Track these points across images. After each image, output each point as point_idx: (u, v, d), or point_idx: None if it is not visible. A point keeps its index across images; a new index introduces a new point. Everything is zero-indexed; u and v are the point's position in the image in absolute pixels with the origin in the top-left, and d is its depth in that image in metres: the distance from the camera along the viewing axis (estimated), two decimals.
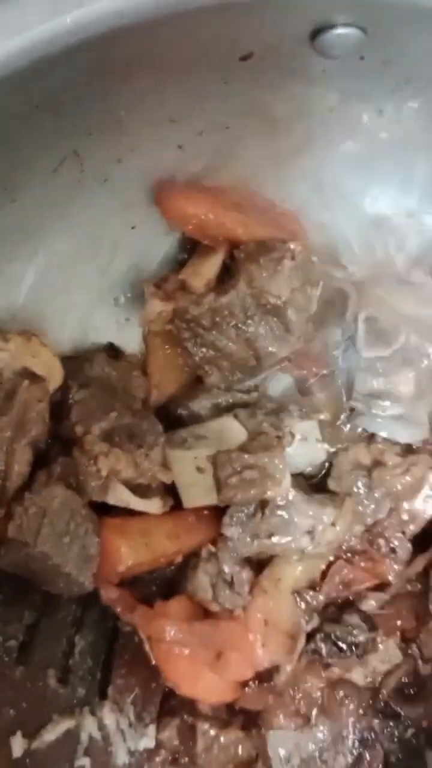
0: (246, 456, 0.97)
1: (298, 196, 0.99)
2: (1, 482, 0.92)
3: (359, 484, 1.04)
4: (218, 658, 0.97)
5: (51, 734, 0.87)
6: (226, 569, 1.00)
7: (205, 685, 0.98)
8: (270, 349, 0.98)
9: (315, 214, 1.00)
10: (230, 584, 1.00)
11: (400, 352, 1.04)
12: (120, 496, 0.95)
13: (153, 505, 0.98)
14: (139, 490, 0.97)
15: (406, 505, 1.05)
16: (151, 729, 0.94)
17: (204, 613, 1.01)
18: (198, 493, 0.99)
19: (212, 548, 1.01)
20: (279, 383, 1.06)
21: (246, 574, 1.01)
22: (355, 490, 1.04)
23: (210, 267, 0.98)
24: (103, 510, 0.96)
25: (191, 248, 1.02)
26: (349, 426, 1.05)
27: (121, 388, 1.02)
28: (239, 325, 0.96)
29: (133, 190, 0.95)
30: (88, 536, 0.93)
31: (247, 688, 1.01)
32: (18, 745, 0.85)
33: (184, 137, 0.90)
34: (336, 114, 0.90)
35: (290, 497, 0.98)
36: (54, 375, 0.98)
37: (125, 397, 1.01)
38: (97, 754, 0.89)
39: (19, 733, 0.85)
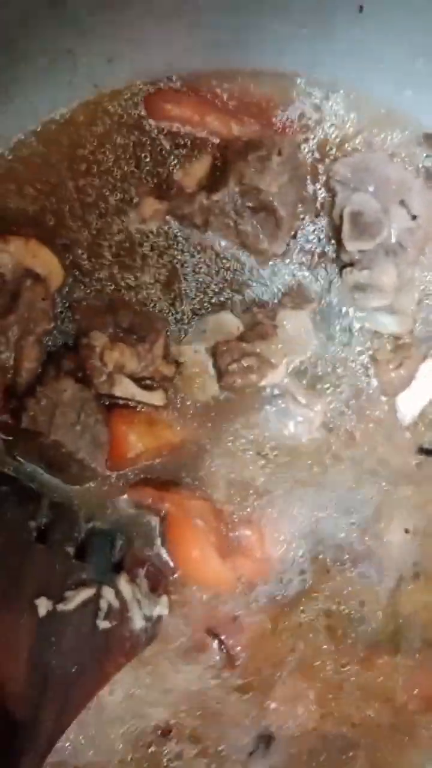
0: (244, 344, 1.03)
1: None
2: (12, 377, 0.97)
3: None
4: (232, 553, 1.05)
5: (72, 602, 0.94)
6: None
7: (208, 571, 1.04)
8: (261, 245, 1.03)
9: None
10: None
11: (382, 245, 1.08)
12: (125, 389, 1.00)
13: (156, 397, 1.03)
14: (143, 383, 1.03)
15: (399, 397, 1.11)
16: (164, 599, 1.01)
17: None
18: (199, 383, 1.05)
19: None
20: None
21: None
22: None
23: (200, 166, 1.02)
24: (110, 407, 1.02)
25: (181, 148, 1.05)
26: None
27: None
28: (230, 223, 1.01)
29: None
30: (98, 425, 0.98)
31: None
32: (43, 606, 0.92)
33: (173, 36, 0.92)
34: None
35: (285, 383, 1.04)
36: (54, 274, 1.03)
37: (121, 297, 1.05)
38: (116, 618, 0.97)
39: (43, 597, 0.92)
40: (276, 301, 1.08)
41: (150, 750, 1.06)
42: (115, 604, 0.96)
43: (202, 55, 0.99)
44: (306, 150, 1.06)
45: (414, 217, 1.09)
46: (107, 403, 1.02)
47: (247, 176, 0.98)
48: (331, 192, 1.08)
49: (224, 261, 1.06)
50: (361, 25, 1.00)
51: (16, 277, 0.98)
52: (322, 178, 1.07)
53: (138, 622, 0.98)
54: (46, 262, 1.02)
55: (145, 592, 0.99)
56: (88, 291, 1.04)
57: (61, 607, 0.92)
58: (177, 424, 1.04)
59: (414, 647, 1.09)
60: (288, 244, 1.06)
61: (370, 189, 1.08)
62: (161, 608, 1.00)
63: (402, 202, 1.09)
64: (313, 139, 1.07)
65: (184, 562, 1.03)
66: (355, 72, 1.05)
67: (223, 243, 1.03)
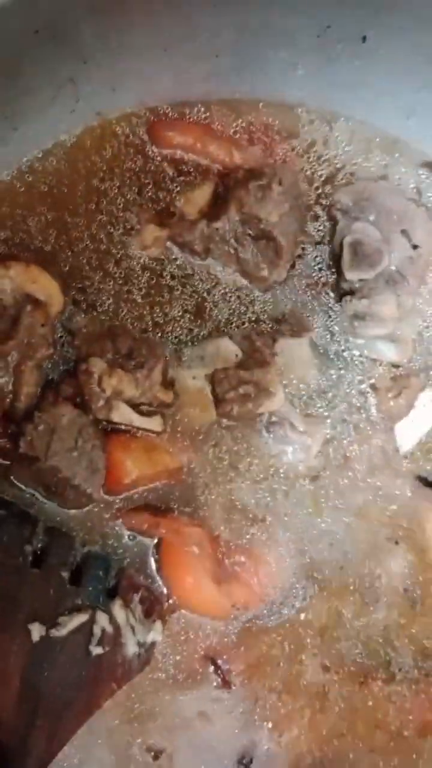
0: (241, 372, 1.03)
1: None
2: (10, 402, 0.98)
3: None
4: (227, 580, 1.04)
5: (65, 628, 0.93)
6: None
7: (202, 598, 1.04)
8: (261, 273, 1.03)
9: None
10: None
11: (382, 274, 1.09)
12: (123, 415, 1.01)
13: (154, 423, 1.04)
14: (141, 409, 1.03)
15: (397, 426, 1.11)
16: (158, 624, 1.01)
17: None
18: (197, 410, 1.05)
19: None
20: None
21: None
22: None
23: (201, 194, 1.03)
24: (108, 432, 1.02)
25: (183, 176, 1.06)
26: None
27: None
28: (231, 250, 1.01)
29: None
30: (95, 451, 0.98)
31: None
32: (36, 631, 0.91)
33: (176, 65, 0.93)
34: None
35: (283, 411, 1.04)
36: (54, 299, 1.04)
37: (126, 319, 1.06)
38: (109, 643, 0.96)
39: (37, 622, 0.92)
40: (275, 328, 1.08)
41: None
42: (109, 629, 0.95)
43: (205, 84, 1.01)
44: (307, 179, 1.07)
45: (415, 247, 1.09)
46: (108, 428, 1.02)
47: (247, 205, 0.99)
48: (332, 220, 1.09)
49: (224, 288, 1.07)
50: (364, 56, 1.01)
51: (16, 302, 1.00)
52: (324, 207, 1.08)
53: (131, 648, 0.97)
54: (46, 287, 1.03)
55: (140, 618, 0.98)
56: (88, 317, 1.05)
57: (54, 632, 0.92)
58: (174, 450, 1.04)
59: (409, 676, 1.09)
60: (288, 272, 1.06)
61: (371, 218, 1.09)
62: (155, 634, 1.00)
63: (403, 232, 1.09)
64: (315, 168, 1.08)
65: (178, 588, 1.03)
66: (358, 102, 1.07)
67: (223, 270, 1.03)
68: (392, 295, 1.09)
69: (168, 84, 0.99)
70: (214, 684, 1.05)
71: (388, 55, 1.01)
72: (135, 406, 1.02)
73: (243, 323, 1.08)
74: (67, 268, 1.05)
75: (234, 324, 1.08)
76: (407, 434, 1.12)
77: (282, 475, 1.07)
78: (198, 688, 1.05)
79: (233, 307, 1.08)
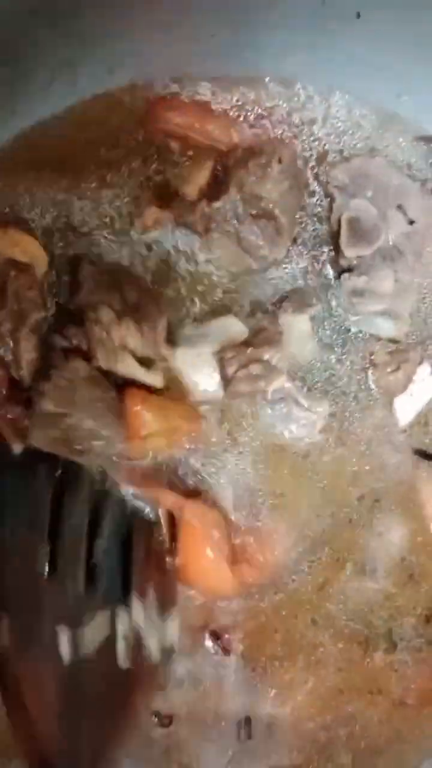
0: (251, 350, 1.04)
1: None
2: (15, 373, 0.97)
3: None
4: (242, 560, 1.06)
5: (91, 638, 0.93)
6: None
7: (218, 580, 1.05)
8: (262, 252, 1.04)
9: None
10: None
11: (380, 250, 1.09)
12: (128, 366, 1.00)
13: (156, 379, 1.02)
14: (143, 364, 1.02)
15: (396, 400, 1.13)
16: (176, 622, 1.02)
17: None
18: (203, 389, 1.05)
19: None
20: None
21: None
22: None
23: (201, 174, 1.03)
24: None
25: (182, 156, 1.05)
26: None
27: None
28: (232, 230, 1.02)
29: None
30: (115, 402, 0.98)
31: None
32: (65, 645, 0.91)
33: (173, 46, 0.93)
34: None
35: (287, 387, 1.05)
36: (38, 260, 1.02)
37: (131, 273, 1.06)
38: (136, 653, 0.97)
39: (63, 625, 0.92)
40: (277, 305, 1.08)
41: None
42: (130, 637, 0.96)
43: (202, 64, 1.01)
44: (304, 157, 1.07)
45: (411, 222, 1.10)
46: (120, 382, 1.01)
47: (247, 184, 1.00)
48: (330, 198, 1.09)
49: (226, 267, 1.07)
50: (359, 32, 1.01)
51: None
52: (321, 184, 1.09)
53: (155, 654, 0.98)
54: (28, 248, 1.01)
55: (157, 614, 0.99)
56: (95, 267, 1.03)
57: (83, 651, 0.92)
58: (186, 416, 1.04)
59: (411, 645, 1.11)
60: (288, 250, 1.07)
61: (368, 194, 1.09)
62: (172, 632, 1.01)
63: (399, 207, 1.10)
64: (313, 145, 1.08)
65: (193, 571, 1.04)
66: (353, 78, 1.07)
67: (224, 249, 1.04)
68: (390, 270, 1.10)
69: (166, 64, 0.99)
70: (213, 651, 1.07)
71: (382, 31, 1.01)
72: (137, 358, 1.01)
73: (245, 301, 1.08)
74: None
75: (238, 301, 1.08)
76: (406, 408, 1.13)
77: (287, 451, 1.08)
78: (198, 655, 1.08)
79: (234, 285, 1.08)
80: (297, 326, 1.08)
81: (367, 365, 1.11)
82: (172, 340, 1.04)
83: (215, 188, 1.03)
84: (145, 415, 1.00)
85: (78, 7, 0.83)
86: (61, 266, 1.04)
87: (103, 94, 1.00)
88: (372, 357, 1.12)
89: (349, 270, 1.09)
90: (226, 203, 1.00)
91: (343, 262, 1.09)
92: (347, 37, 1.02)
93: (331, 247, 1.09)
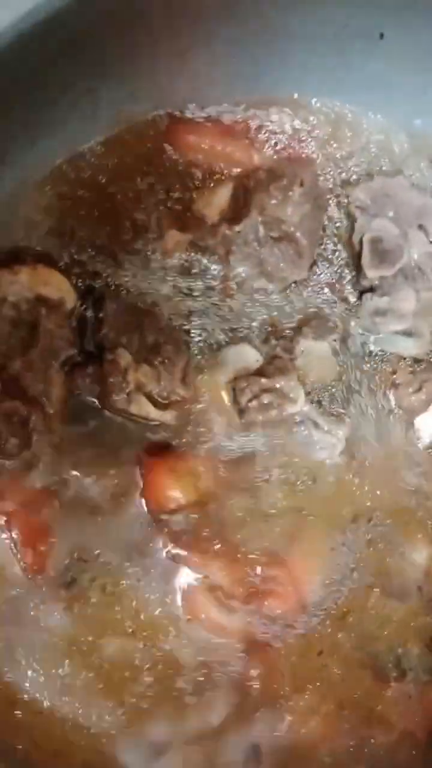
0: (263, 380, 1.03)
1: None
2: (45, 410, 0.98)
3: None
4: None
5: None
6: None
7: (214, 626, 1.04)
8: (282, 274, 1.03)
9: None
10: None
11: (402, 270, 1.09)
12: (141, 408, 1.01)
13: (168, 416, 1.03)
14: (156, 401, 1.03)
15: (417, 419, 1.12)
16: None
17: None
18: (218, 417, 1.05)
19: None
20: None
21: None
22: None
23: (221, 197, 1.02)
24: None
25: (203, 179, 1.05)
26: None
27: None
28: (252, 252, 1.01)
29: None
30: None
31: None
32: None
33: (193, 69, 0.93)
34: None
35: (305, 410, 1.05)
36: (67, 295, 1.02)
37: (152, 313, 1.05)
38: None
39: None
40: (295, 328, 1.08)
41: None
42: None
43: (222, 87, 1.01)
44: (325, 178, 1.07)
45: None
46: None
47: (269, 207, 0.99)
48: (351, 218, 1.08)
49: (245, 290, 1.07)
50: (381, 54, 1.01)
51: (30, 307, 0.99)
52: (342, 205, 1.08)
53: None
54: (58, 285, 1.02)
55: None
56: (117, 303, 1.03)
57: None
58: (200, 465, 1.04)
59: (421, 677, 1.09)
60: (309, 272, 1.06)
61: (390, 214, 1.09)
62: None
63: (420, 227, 1.09)
64: (333, 166, 1.08)
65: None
66: (376, 99, 1.06)
67: (244, 272, 1.03)
68: (411, 290, 1.09)
69: (185, 88, 0.98)
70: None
71: (404, 52, 1.00)
72: (150, 398, 1.02)
73: (263, 326, 1.08)
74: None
75: (254, 326, 1.07)
76: (427, 428, 1.13)
77: (309, 476, 1.07)
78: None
79: (252, 308, 1.07)
80: (316, 350, 1.07)
81: (389, 385, 1.10)
82: (188, 378, 1.05)
83: (236, 211, 1.02)
84: (172, 491, 1.02)
85: (103, 41, 0.82)
86: (85, 302, 1.04)
87: (124, 120, 1.01)
88: (394, 377, 1.11)
89: (371, 290, 1.08)
90: (246, 226, 1.00)
91: (365, 283, 1.08)
92: (368, 59, 1.02)
93: (353, 268, 1.09)
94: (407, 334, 1.11)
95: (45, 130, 0.96)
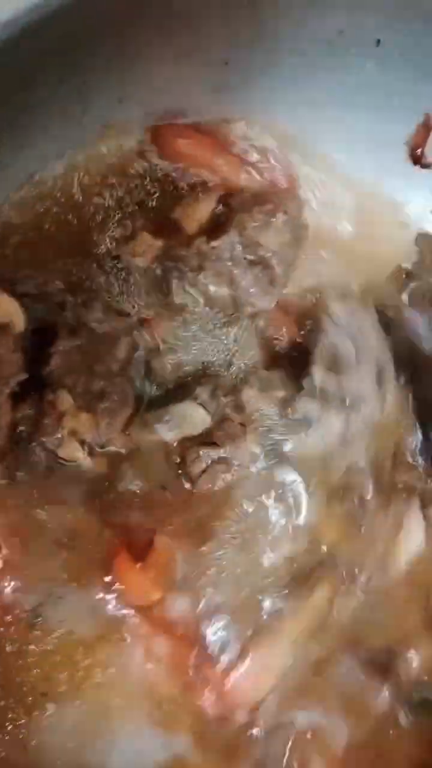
0: (213, 453, 0.97)
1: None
2: None
3: None
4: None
5: None
6: None
7: None
8: (251, 298, 1.00)
9: None
10: None
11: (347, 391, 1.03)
12: (70, 453, 0.95)
13: (99, 464, 0.97)
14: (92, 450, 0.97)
15: None
16: None
17: None
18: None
19: None
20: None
21: None
22: None
23: (203, 210, 1.01)
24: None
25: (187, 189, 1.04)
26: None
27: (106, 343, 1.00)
28: (225, 271, 0.98)
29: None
30: None
31: None
32: None
33: (184, 76, 0.96)
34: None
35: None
36: (15, 318, 0.96)
37: (105, 359, 0.99)
38: None
39: None
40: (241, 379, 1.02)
41: None
42: None
43: (214, 96, 1.01)
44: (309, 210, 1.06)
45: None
46: None
47: (249, 229, 0.98)
48: (319, 325, 1.05)
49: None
50: (378, 60, 1.01)
51: None
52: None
53: None
54: (6, 309, 0.96)
55: None
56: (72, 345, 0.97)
57: None
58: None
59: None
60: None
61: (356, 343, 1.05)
62: None
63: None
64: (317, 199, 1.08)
65: None
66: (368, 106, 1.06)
67: (213, 289, 0.98)
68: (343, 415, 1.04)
69: (176, 95, 0.99)
70: None
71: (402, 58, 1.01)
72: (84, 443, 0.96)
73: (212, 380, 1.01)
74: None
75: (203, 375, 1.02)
76: None
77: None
78: None
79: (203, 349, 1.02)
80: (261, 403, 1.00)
81: None
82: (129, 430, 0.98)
83: (215, 226, 1.00)
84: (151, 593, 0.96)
85: (94, 45, 0.84)
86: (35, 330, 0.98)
87: (111, 125, 1.00)
88: None
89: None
90: (224, 243, 0.98)
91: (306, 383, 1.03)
92: (364, 66, 1.02)
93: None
94: None
95: (31, 137, 0.94)
